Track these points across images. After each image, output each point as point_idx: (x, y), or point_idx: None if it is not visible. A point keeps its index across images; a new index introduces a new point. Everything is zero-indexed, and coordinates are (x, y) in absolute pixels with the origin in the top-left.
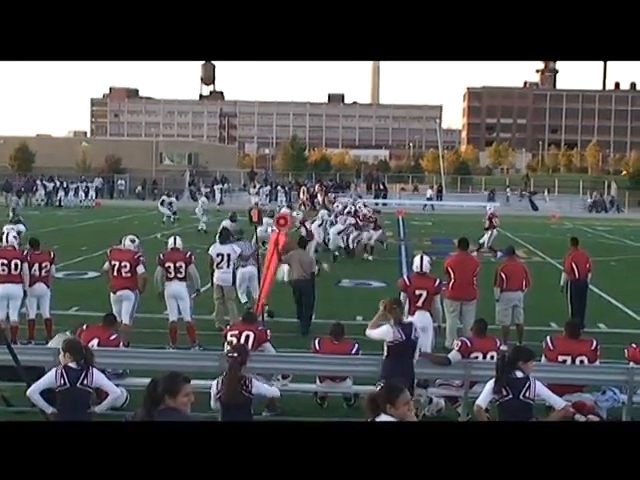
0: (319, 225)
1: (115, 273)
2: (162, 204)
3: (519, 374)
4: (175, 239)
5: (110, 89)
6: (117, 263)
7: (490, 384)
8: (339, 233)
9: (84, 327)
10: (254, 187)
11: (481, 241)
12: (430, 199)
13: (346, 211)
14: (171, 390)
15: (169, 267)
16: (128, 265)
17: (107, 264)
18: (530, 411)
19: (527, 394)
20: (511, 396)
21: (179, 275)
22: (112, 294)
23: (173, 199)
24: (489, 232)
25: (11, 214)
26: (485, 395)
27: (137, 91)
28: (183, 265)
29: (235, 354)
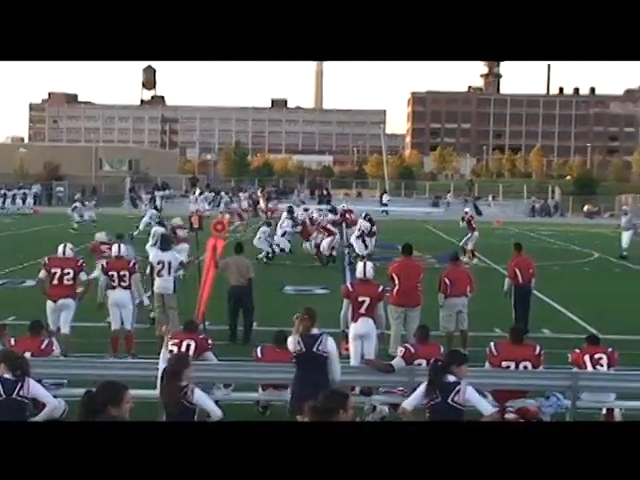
0: (259, 239)
1: (56, 281)
2: (73, 209)
3: (451, 378)
4: (119, 246)
5: (49, 94)
6: (58, 271)
7: (422, 387)
8: (283, 235)
9: (12, 341)
10: (193, 194)
11: (462, 244)
12: (386, 204)
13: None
14: (114, 399)
15: (112, 275)
16: (71, 272)
17: (43, 272)
18: (459, 415)
19: (456, 398)
20: (439, 399)
21: (122, 283)
22: (51, 303)
23: (77, 204)
24: (469, 235)
25: None
26: (413, 398)
27: (76, 96)
28: (127, 274)
29: (172, 364)
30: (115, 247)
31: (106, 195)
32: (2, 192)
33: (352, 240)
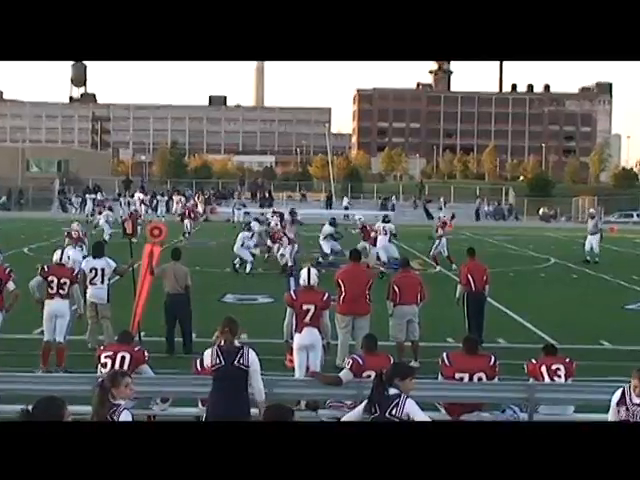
0: (241, 245)
1: None
2: None
3: (392, 391)
4: (62, 252)
5: None
6: None
7: (364, 402)
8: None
9: None
10: (124, 197)
11: (433, 253)
12: (347, 208)
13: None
14: (54, 415)
15: (52, 282)
16: None
17: None
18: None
19: (394, 412)
20: (378, 413)
21: (61, 292)
22: None
23: None
24: (438, 241)
25: None
26: (353, 413)
27: (1, 93)
28: (67, 282)
29: (101, 380)
30: (58, 253)
31: (34, 198)
32: None
33: (320, 241)
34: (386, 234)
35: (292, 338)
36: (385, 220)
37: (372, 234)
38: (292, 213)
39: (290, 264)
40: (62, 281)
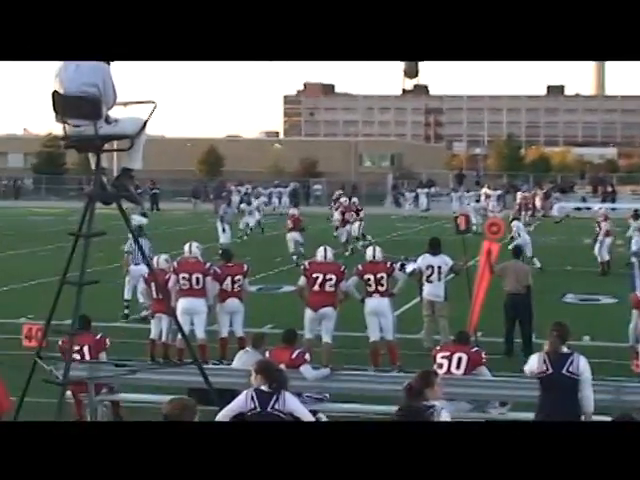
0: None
1: (317, 287)
2: (249, 213)
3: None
4: (374, 249)
5: (304, 85)
6: (320, 276)
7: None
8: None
9: (266, 353)
10: (455, 191)
11: None
12: None
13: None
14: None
15: (369, 279)
16: (334, 279)
17: (303, 279)
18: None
19: None
20: None
21: (380, 287)
22: (311, 312)
23: (252, 207)
24: None
25: (220, 224)
26: None
27: (333, 87)
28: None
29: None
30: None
31: (367, 194)
32: (256, 191)
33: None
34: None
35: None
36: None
37: None
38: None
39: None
40: (379, 276)
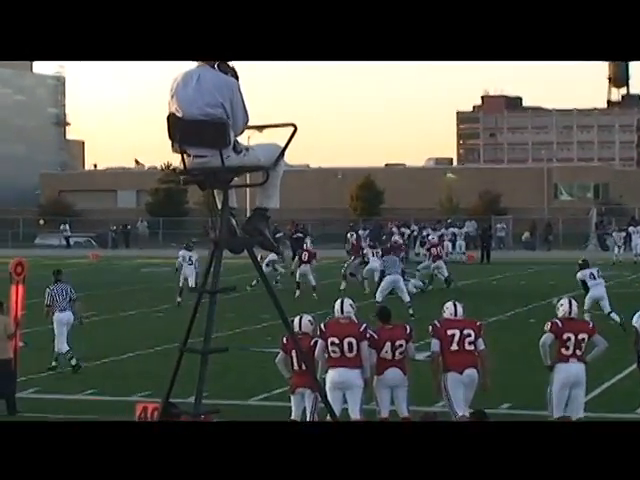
0: None
1: (454, 347)
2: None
3: None
4: (570, 304)
5: (482, 99)
6: (457, 333)
7: None
8: None
9: None
10: None
11: None
12: None
13: None
14: None
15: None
16: (472, 334)
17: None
18: None
19: None
20: None
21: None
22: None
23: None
24: None
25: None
26: None
27: (520, 100)
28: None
29: None
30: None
31: (564, 233)
32: (415, 231)
33: None
34: None
35: None
36: None
37: None
38: None
39: None
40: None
